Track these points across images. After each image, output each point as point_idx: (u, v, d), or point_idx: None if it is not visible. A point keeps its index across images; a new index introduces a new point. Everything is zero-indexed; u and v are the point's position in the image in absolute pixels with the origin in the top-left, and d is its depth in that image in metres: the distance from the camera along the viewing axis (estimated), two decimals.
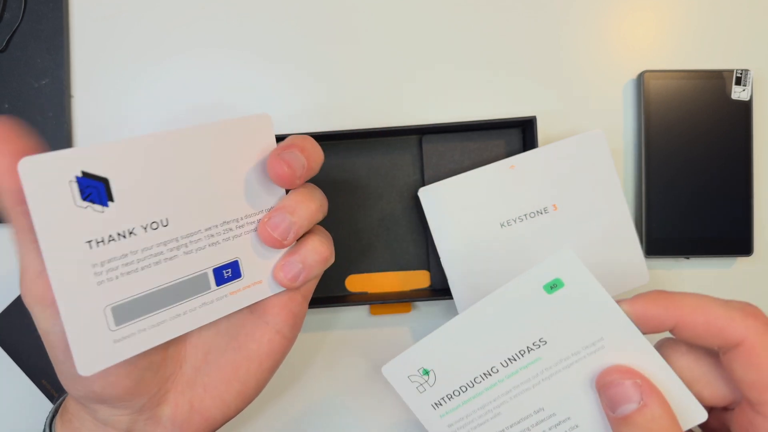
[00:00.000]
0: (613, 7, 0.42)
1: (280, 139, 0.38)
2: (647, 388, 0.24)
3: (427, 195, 0.37)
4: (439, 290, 0.40)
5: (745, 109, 0.40)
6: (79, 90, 0.42)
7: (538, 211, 0.36)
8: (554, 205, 0.36)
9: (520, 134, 0.40)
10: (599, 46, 0.42)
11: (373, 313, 0.41)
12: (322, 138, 0.39)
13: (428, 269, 0.40)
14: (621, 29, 0.42)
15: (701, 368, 0.26)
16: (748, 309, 0.24)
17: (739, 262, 0.42)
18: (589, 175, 0.37)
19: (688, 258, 0.41)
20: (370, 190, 0.40)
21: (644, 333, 0.26)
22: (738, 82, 0.40)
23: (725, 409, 0.27)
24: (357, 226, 0.40)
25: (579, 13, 0.42)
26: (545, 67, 0.42)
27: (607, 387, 0.25)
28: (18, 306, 0.40)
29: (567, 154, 0.37)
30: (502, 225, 0.36)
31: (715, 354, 0.26)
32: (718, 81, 0.40)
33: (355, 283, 0.40)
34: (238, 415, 0.41)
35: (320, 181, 0.40)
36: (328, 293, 0.40)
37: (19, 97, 0.41)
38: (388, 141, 0.40)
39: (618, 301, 0.26)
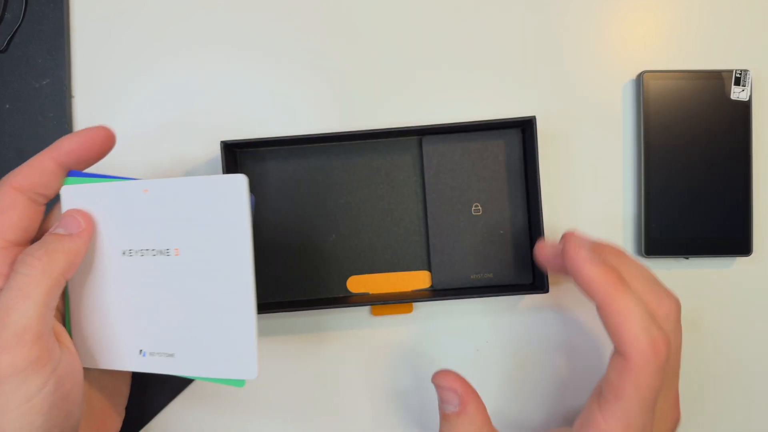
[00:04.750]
0: (612, 7, 0.42)
1: (286, 142, 0.38)
2: (465, 395, 0.29)
3: (70, 195, 0.31)
4: (440, 290, 0.40)
5: (744, 109, 0.40)
6: (79, 90, 0.42)
7: (160, 251, 0.30)
8: (176, 249, 0.30)
9: (520, 134, 0.40)
10: (599, 46, 0.42)
11: (374, 313, 0.41)
12: (322, 140, 0.39)
13: (429, 270, 0.40)
14: (620, 29, 0.42)
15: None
16: (656, 334, 0.27)
17: (739, 262, 0.42)
18: (219, 224, 0.29)
19: (687, 258, 0.41)
20: (370, 191, 0.40)
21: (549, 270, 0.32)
22: (737, 82, 0.40)
23: None
24: (358, 227, 0.40)
25: (578, 12, 0.42)
26: (545, 67, 0.42)
27: (437, 386, 0.31)
28: None
29: (203, 194, 0.29)
30: (124, 253, 0.31)
31: None
32: (717, 81, 0.40)
33: (357, 284, 0.40)
34: (238, 408, 0.41)
35: (321, 182, 0.40)
36: (330, 294, 0.40)
37: (19, 97, 0.41)
38: (388, 142, 0.40)
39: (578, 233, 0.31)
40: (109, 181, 0.31)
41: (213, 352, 0.30)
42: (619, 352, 0.28)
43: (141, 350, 0.31)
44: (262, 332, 0.41)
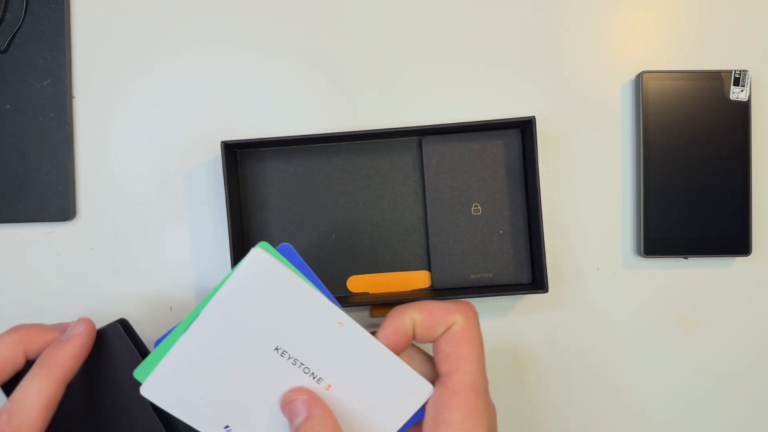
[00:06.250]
0: (612, 7, 0.42)
1: (282, 143, 0.39)
2: (312, 402, 0.29)
3: (257, 259, 0.28)
4: (440, 290, 0.40)
5: (743, 109, 0.40)
6: (80, 90, 0.42)
7: (313, 374, 0.29)
8: (329, 385, 0.29)
9: (520, 134, 0.40)
10: (598, 47, 0.42)
11: (374, 313, 0.41)
12: (322, 140, 0.39)
13: (428, 269, 0.40)
14: (620, 30, 0.42)
15: (415, 359, 0.31)
16: (462, 304, 0.30)
17: (738, 262, 0.42)
18: (386, 402, 0.30)
19: (686, 258, 0.41)
20: (370, 191, 0.40)
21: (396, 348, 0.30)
22: (736, 82, 0.40)
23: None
24: (358, 227, 0.40)
25: (578, 13, 0.42)
26: (545, 67, 0.42)
27: (284, 405, 0.29)
28: None
29: (391, 375, 0.29)
30: (276, 349, 0.29)
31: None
32: (716, 82, 0.40)
33: (357, 283, 0.40)
34: None
35: (321, 182, 0.40)
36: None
37: (20, 97, 0.41)
38: (388, 142, 0.41)
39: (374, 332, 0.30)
40: (305, 279, 0.28)
41: None
42: (443, 331, 0.30)
43: (227, 426, 0.30)
44: None
